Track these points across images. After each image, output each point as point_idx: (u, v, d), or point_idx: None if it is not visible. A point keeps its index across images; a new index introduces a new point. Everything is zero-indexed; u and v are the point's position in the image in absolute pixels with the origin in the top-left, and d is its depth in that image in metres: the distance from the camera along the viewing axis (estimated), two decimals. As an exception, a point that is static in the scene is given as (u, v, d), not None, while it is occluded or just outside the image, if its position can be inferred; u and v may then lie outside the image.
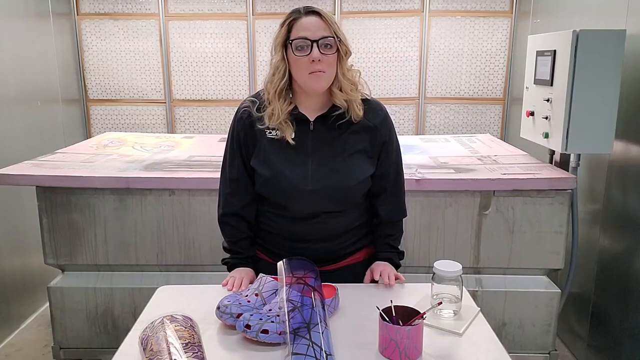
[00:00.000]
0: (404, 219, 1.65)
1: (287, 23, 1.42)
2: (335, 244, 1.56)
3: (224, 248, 1.63)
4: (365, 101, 1.52)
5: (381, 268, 1.55)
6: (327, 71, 1.41)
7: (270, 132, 1.48)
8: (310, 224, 1.51)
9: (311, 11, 1.42)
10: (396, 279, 1.54)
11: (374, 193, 1.57)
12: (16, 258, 2.98)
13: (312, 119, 1.49)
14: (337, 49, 1.42)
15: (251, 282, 1.52)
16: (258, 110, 1.49)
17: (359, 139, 1.49)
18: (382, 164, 1.54)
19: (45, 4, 3.53)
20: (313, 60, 1.38)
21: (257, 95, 1.52)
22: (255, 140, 1.50)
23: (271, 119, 1.45)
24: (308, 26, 1.39)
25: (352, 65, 1.49)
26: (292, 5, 4.04)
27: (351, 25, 3.94)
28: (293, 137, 1.46)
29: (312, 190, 1.46)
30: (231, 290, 1.48)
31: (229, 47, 4.02)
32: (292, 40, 1.40)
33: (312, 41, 1.38)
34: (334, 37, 1.40)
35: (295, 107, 1.48)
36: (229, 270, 1.61)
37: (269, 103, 1.46)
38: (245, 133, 1.51)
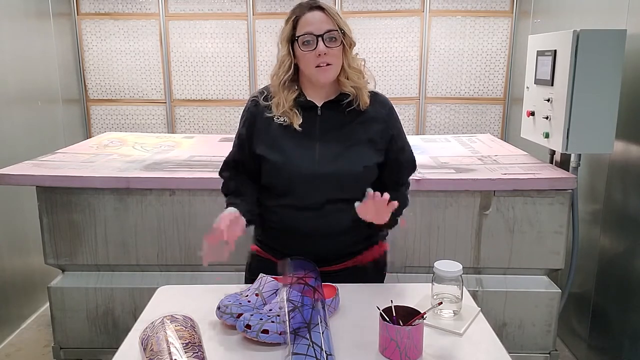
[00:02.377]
0: (404, 223, 1.62)
1: (292, 19, 1.47)
2: (339, 241, 1.55)
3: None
4: (373, 94, 1.56)
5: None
6: (333, 63, 1.45)
7: (279, 119, 1.51)
8: (315, 216, 1.50)
9: (315, 6, 1.46)
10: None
11: (385, 184, 1.55)
12: (16, 258, 2.98)
13: (319, 104, 1.52)
14: (342, 41, 1.46)
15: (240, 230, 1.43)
16: (266, 99, 1.53)
17: (367, 129, 1.52)
18: (393, 154, 1.56)
19: (45, 4, 3.53)
20: (319, 54, 1.43)
21: (266, 87, 1.57)
22: (262, 128, 1.53)
23: (277, 108, 1.50)
24: (313, 21, 1.44)
25: (357, 54, 1.53)
26: (292, 5, 4.03)
27: (351, 25, 3.91)
28: (300, 123, 1.49)
29: (318, 174, 1.47)
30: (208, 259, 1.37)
31: (229, 47, 4.02)
32: (298, 37, 1.44)
33: (317, 36, 1.43)
34: (338, 30, 1.45)
35: (303, 95, 1.52)
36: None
37: (275, 94, 1.51)
38: (252, 122, 1.54)
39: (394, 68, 4.02)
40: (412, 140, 3.11)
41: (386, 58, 4.00)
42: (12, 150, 2.93)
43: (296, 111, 1.50)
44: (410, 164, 1.63)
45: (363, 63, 1.54)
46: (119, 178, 2.25)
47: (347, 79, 1.49)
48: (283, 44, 1.49)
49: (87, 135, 4.10)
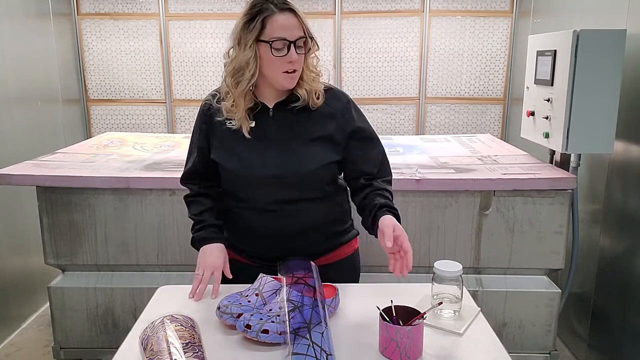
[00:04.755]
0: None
1: (260, 18, 1.36)
2: (303, 241, 1.52)
3: (192, 227, 1.59)
4: (328, 90, 1.51)
5: (394, 225, 1.34)
6: (299, 69, 1.41)
7: (229, 122, 1.47)
8: (276, 217, 1.49)
9: (287, 8, 1.37)
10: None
11: (353, 179, 1.53)
12: (16, 258, 2.98)
13: (270, 105, 1.48)
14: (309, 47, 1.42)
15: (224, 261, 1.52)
16: (218, 102, 1.49)
17: (321, 126, 1.47)
18: (356, 149, 1.50)
19: (45, 4, 3.53)
20: (291, 61, 1.37)
21: (218, 89, 1.52)
22: (215, 132, 1.51)
23: (230, 113, 1.45)
24: (286, 25, 1.36)
25: (313, 55, 1.47)
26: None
27: (351, 25, 3.94)
28: (252, 126, 1.45)
29: (274, 177, 1.45)
30: (197, 297, 1.45)
31: (229, 47, 4.01)
32: (271, 41, 1.36)
33: (290, 42, 1.36)
34: (306, 37, 1.39)
35: (254, 97, 1.47)
36: (198, 248, 1.55)
37: (229, 97, 1.44)
38: (206, 126, 1.53)
39: (394, 68, 4.01)
40: (412, 140, 3.13)
41: (386, 58, 4.00)
42: (12, 150, 2.93)
43: (247, 116, 1.45)
44: (379, 157, 1.54)
45: (317, 61, 1.48)
46: (119, 178, 2.25)
47: (303, 79, 1.44)
48: (248, 44, 1.37)
49: (87, 135, 4.10)
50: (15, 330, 2.94)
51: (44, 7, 3.52)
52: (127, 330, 1.30)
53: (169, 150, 2.78)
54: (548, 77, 2.35)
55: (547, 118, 2.37)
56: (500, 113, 4.07)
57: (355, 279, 1.67)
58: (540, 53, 2.45)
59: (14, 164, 2.42)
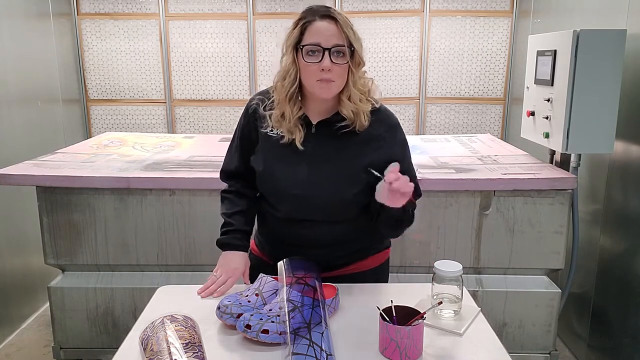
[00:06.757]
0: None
1: (300, 24, 1.35)
2: (326, 253, 1.50)
3: (221, 227, 1.57)
4: (375, 111, 1.44)
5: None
6: (336, 80, 1.35)
7: (271, 130, 1.45)
8: (298, 228, 1.47)
9: (328, 15, 1.34)
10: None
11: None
12: (16, 258, 2.98)
13: (314, 122, 1.44)
14: (350, 59, 1.35)
15: (243, 273, 1.52)
16: (265, 108, 1.46)
17: (362, 152, 1.42)
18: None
19: (45, 4, 3.53)
20: (323, 69, 1.32)
21: (267, 93, 1.49)
22: (258, 136, 1.49)
23: (280, 123, 1.42)
24: (322, 31, 1.33)
25: (365, 72, 1.42)
26: (293, 5, 4.05)
27: (351, 25, 3.94)
28: (302, 141, 1.41)
29: (299, 195, 1.42)
30: (205, 295, 1.46)
31: (229, 47, 4.02)
32: (303, 46, 1.34)
33: (324, 49, 1.32)
34: (347, 47, 1.33)
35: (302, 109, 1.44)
36: (223, 250, 1.55)
37: (278, 105, 1.42)
38: (250, 128, 1.50)
39: (394, 68, 4.01)
40: (412, 140, 3.13)
41: (386, 58, 4.00)
42: (12, 150, 2.93)
43: (299, 127, 1.41)
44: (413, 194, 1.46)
45: (371, 82, 1.43)
46: (119, 178, 2.25)
47: (349, 99, 1.38)
48: (288, 50, 1.37)
49: (87, 135, 4.10)
50: (15, 330, 2.94)
51: (44, 7, 3.52)
52: (127, 330, 1.30)
53: (169, 150, 2.78)
54: (548, 77, 2.35)
55: (547, 118, 2.37)
56: (500, 113, 4.07)
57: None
58: (540, 53, 2.45)
59: (14, 164, 2.42)
